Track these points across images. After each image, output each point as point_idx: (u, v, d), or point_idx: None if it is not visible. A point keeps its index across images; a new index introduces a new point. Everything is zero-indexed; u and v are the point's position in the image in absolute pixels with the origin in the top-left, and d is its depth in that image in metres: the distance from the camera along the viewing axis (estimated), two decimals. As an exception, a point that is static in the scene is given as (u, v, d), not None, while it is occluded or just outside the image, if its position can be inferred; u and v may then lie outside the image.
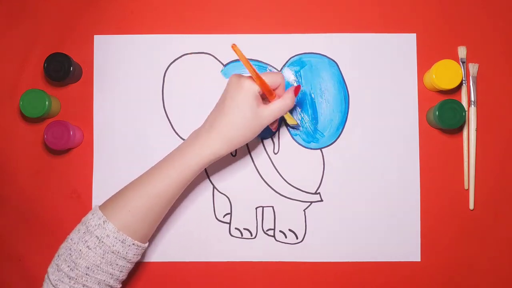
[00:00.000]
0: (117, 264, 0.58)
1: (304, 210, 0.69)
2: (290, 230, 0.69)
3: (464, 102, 0.70)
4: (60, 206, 0.70)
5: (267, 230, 0.69)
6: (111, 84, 0.71)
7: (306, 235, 0.69)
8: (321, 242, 0.69)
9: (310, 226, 0.69)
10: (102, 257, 0.56)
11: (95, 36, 0.71)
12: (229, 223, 0.69)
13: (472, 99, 0.69)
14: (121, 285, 0.60)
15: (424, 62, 0.70)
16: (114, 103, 0.70)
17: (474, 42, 0.70)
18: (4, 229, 0.70)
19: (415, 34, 0.70)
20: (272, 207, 0.70)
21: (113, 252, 0.57)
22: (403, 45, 0.70)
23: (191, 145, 0.59)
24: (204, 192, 0.70)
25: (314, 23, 0.71)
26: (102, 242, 0.56)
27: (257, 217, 0.69)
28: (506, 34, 0.70)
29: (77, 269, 0.56)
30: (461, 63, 0.70)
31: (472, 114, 0.69)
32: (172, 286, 0.69)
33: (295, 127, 0.69)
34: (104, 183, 0.69)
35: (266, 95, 0.59)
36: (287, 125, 0.70)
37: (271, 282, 0.69)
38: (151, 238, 0.69)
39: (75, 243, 0.57)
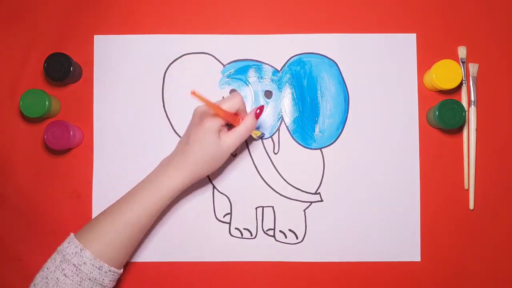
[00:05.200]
0: None
1: (304, 210, 0.69)
2: (290, 230, 0.69)
3: (464, 102, 0.70)
4: (60, 206, 0.70)
5: (267, 230, 0.69)
6: (111, 84, 0.71)
7: (306, 235, 0.69)
8: (321, 242, 0.69)
9: (310, 226, 0.69)
10: (79, 285, 0.57)
11: (95, 36, 0.71)
12: (229, 223, 0.69)
13: (472, 99, 0.69)
14: None
15: (424, 62, 0.70)
16: (114, 103, 0.70)
17: (474, 42, 0.70)
18: (4, 229, 0.70)
19: (415, 34, 0.70)
20: (272, 207, 0.70)
21: (90, 279, 0.57)
22: (403, 45, 0.70)
23: (163, 176, 0.62)
24: (204, 192, 0.70)
25: (314, 23, 0.71)
26: (79, 269, 0.57)
27: (257, 217, 0.69)
28: (506, 34, 0.70)
29: None
30: (461, 63, 0.70)
31: (472, 114, 0.69)
32: (172, 286, 0.69)
33: (260, 136, 0.70)
34: (104, 183, 0.69)
35: (231, 123, 0.61)
36: (252, 138, 0.70)
37: (271, 282, 0.69)
38: (151, 237, 0.69)
39: (51, 272, 0.57)
